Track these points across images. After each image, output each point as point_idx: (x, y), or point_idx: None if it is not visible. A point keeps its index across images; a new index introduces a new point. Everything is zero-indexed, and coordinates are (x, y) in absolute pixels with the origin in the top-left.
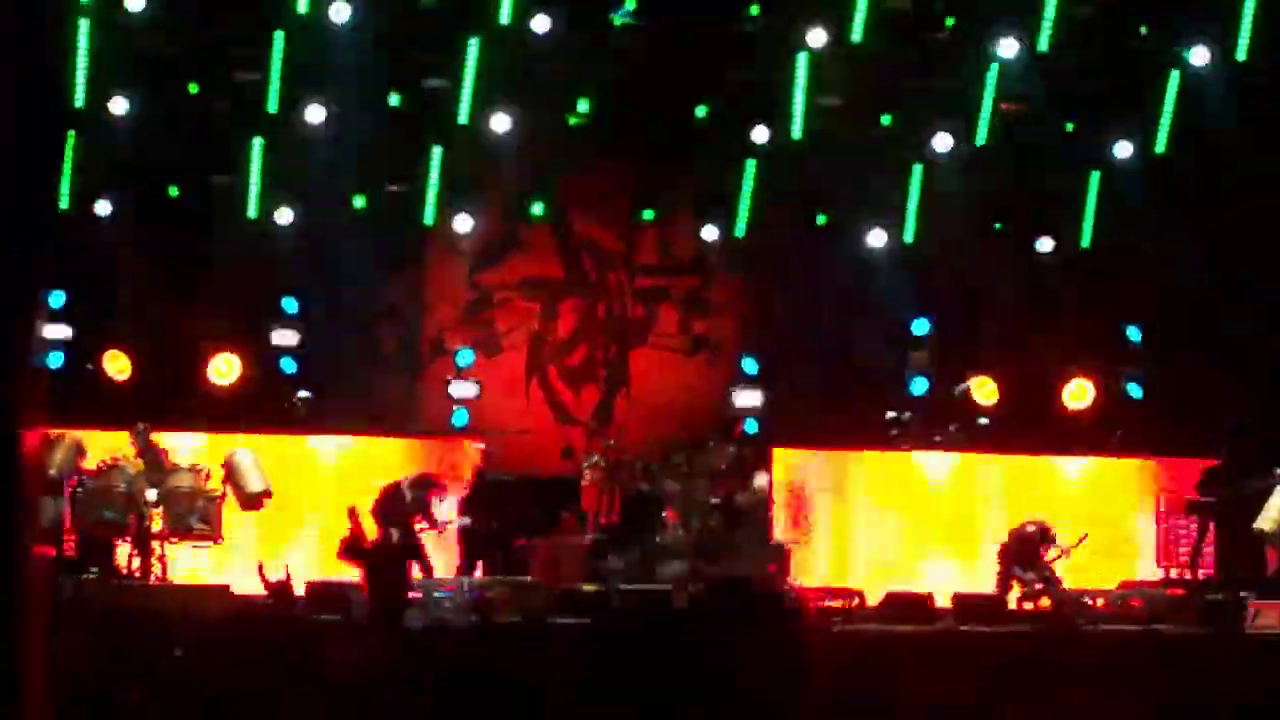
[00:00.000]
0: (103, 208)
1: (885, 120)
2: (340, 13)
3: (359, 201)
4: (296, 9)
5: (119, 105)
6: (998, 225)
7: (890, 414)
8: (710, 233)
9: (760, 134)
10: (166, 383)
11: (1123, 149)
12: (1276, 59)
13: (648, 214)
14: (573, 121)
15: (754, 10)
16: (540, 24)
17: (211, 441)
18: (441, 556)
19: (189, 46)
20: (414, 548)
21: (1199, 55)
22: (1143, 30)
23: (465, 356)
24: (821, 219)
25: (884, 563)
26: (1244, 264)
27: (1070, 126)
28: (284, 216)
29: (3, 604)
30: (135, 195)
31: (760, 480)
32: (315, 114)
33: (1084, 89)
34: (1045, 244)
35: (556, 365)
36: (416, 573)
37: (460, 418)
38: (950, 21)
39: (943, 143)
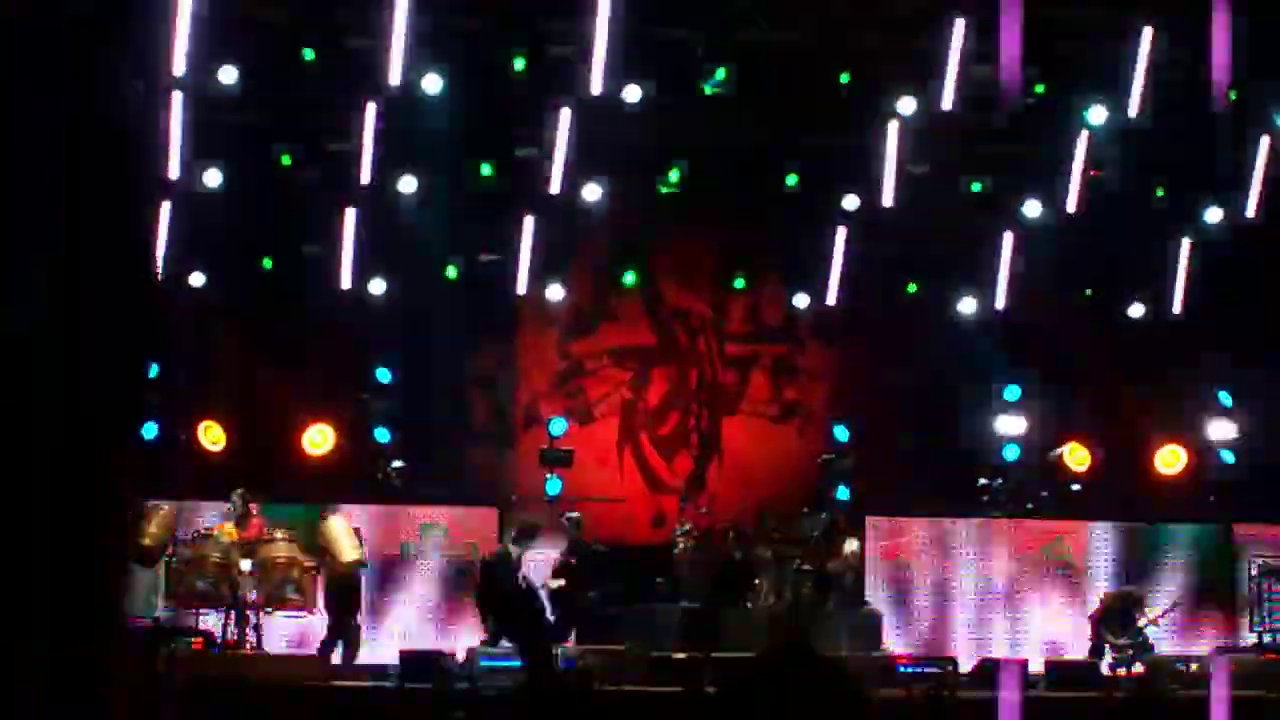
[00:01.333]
0: (196, 279)
1: (975, 187)
2: (432, 83)
3: (451, 271)
4: (389, 79)
5: (213, 177)
6: (1088, 291)
7: (982, 481)
8: (801, 300)
9: (850, 201)
10: (260, 453)
11: (1213, 214)
12: None
13: (738, 281)
14: (663, 190)
15: (844, 78)
16: (631, 94)
17: (305, 512)
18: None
19: (281, 118)
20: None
21: None
22: (1231, 95)
23: (558, 425)
24: (912, 286)
25: (973, 627)
26: None
27: (1160, 192)
28: (376, 286)
29: (91, 676)
30: (228, 266)
31: (852, 547)
32: (407, 184)
33: (1174, 155)
34: (1136, 309)
35: (648, 433)
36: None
37: (553, 486)
38: (1040, 88)
39: (1032, 209)
